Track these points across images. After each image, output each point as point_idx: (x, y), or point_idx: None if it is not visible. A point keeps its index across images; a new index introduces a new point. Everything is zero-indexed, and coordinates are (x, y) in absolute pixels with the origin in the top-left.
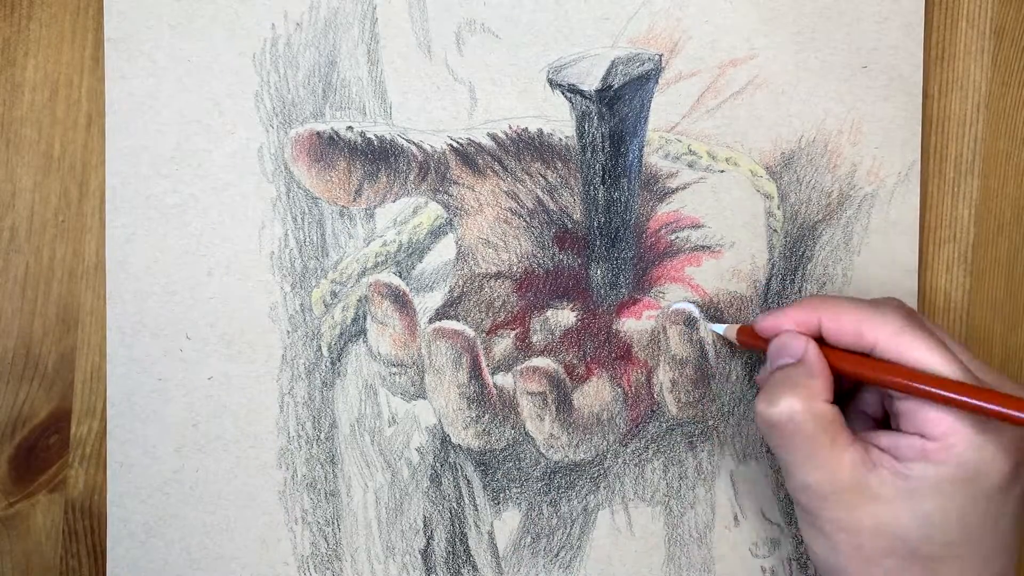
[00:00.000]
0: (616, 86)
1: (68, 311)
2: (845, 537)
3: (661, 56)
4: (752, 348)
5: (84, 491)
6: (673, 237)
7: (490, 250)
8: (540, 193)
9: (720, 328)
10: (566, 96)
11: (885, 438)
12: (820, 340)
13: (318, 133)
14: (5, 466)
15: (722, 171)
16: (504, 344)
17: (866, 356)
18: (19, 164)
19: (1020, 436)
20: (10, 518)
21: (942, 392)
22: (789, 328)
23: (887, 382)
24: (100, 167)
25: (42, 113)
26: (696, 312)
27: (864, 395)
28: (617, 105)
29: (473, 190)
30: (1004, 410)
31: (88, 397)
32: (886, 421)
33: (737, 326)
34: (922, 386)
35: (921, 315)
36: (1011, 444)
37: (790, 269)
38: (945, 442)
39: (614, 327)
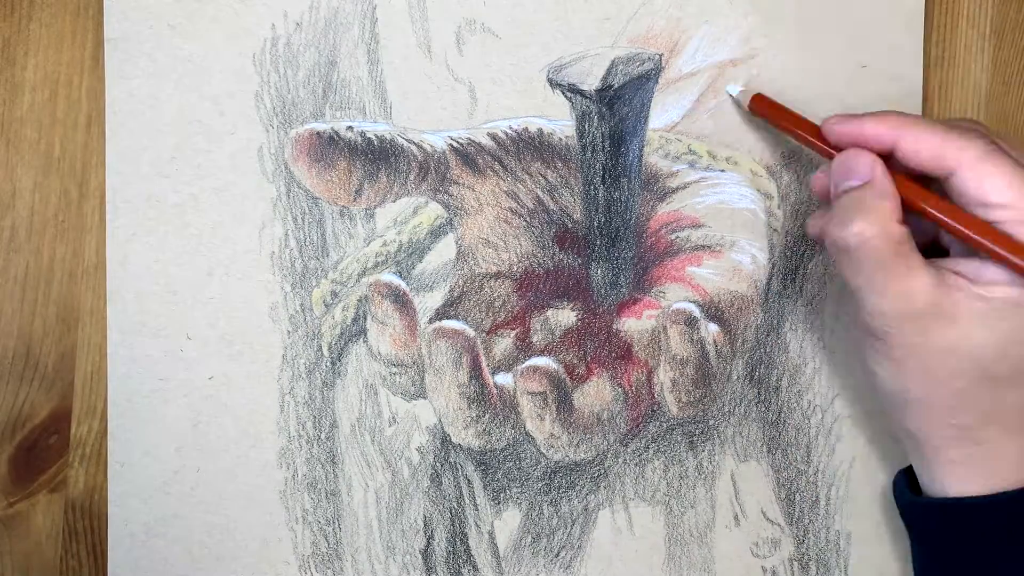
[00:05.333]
0: (616, 86)
1: (68, 311)
2: (915, 361)
3: (661, 56)
4: (769, 120)
5: (84, 491)
6: (673, 237)
7: (490, 250)
8: (540, 193)
9: (734, 89)
10: (566, 96)
11: (963, 264)
12: (888, 158)
13: (318, 133)
14: (5, 466)
15: (722, 170)
16: (504, 344)
17: (928, 190)
18: (19, 164)
19: None
20: (10, 518)
21: (1000, 250)
22: (861, 140)
23: (951, 228)
24: (100, 167)
25: (42, 113)
26: (697, 312)
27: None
28: (617, 105)
29: (473, 190)
30: None
31: (88, 397)
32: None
33: (752, 91)
34: (984, 240)
35: (1006, 138)
36: None
37: (791, 268)
38: None
39: (614, 327)
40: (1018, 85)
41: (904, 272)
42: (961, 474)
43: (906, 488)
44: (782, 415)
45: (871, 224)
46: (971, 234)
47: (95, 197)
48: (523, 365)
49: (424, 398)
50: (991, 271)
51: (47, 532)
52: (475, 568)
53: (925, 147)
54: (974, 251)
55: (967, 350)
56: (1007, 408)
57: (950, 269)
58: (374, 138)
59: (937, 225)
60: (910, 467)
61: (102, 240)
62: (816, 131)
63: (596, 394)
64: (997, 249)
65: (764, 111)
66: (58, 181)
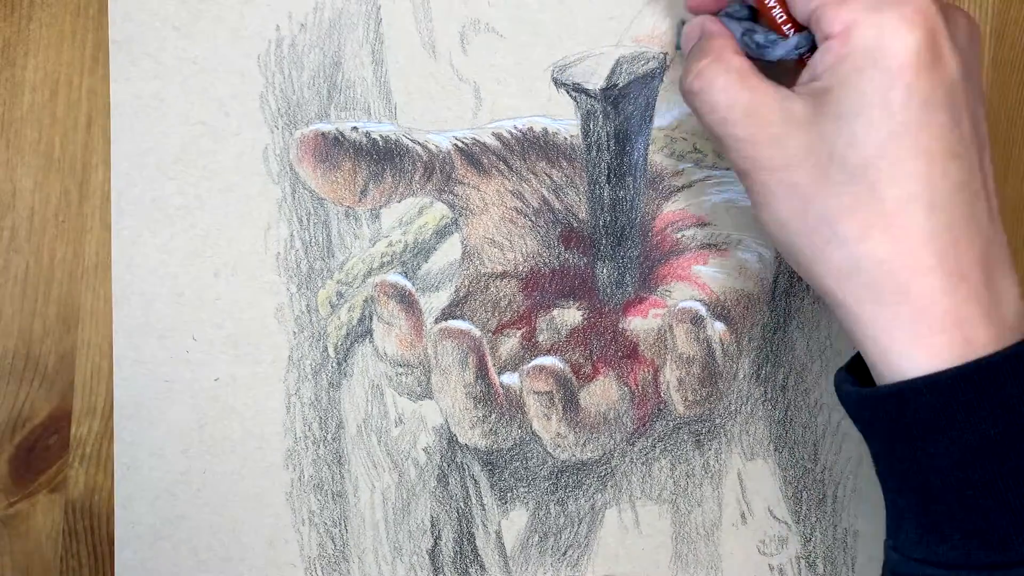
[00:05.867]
0: (621, 85)
1: (68, 311)
2: (782, 179)
3: (665, 54)
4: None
5: (84, 491)
6: (679, 235)
7: (496, 250)
8: (545, 192)
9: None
10: (571, 95)
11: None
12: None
13: (323, 134)
14: (5, 466)
15: (728, 168)
16: (510, 343)
17: None
18: (19, 164)
19: (927, 7)
20: (10, 518)
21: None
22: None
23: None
24: (100, 167)
25: (42, 113)
26: (703, 310)
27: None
28: (622, 104)
29: (478, 190)
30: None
31: (88, 397)
32: None
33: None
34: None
35: None
36: (917, 16)
37: None
38: (845, 32)
39: (620, 326)
40: (1018, 85)
41: (749, 93)
42: (891, 338)
43: (847, 375)
44: (789, 413)
45: (706, 58)
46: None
47: (95, 197)
48: (529, 365)
49: (430, 398)
50: (818, 56)
51: (47, 532)
52: (482, 568)
53: None
54: None
55: (821, 148)
56: (887, 204)
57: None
58: (379, 138)
59: None
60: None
61: (102, 240)
62: None
63: (602, 393)
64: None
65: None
66: (58, 181)
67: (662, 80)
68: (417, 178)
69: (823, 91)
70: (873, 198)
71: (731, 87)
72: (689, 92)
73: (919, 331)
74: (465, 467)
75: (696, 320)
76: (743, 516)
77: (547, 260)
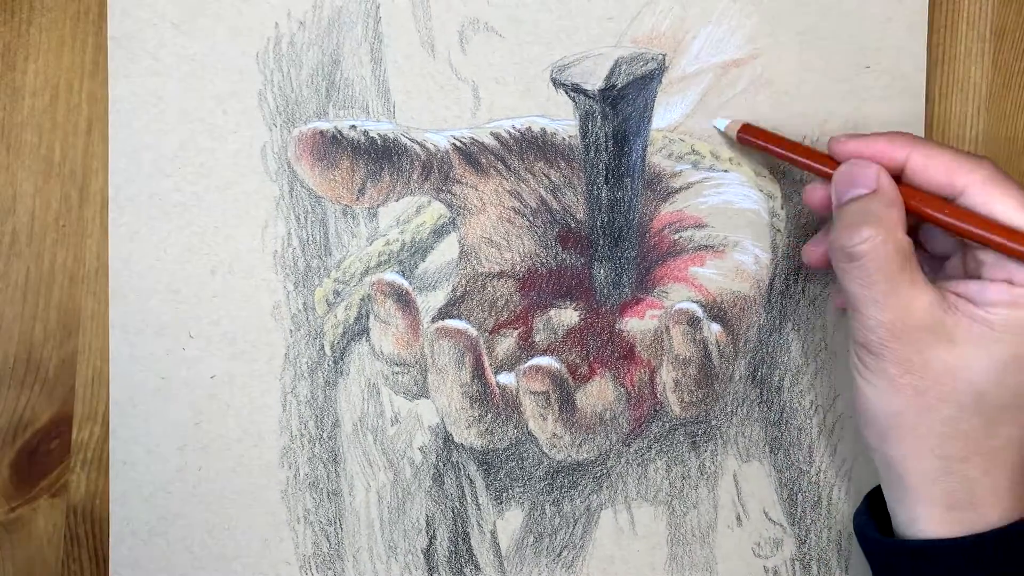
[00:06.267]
0: (620, 85)
1: (69, 316)
2: (910, 380)
3: (664, 56)
4: (756, 149)
5: (86, 496)
6: (676, 237)
7: (493, 249)
8: (543, 192)
9: (721, 124)
10: (570, 95)
11: (965, 285)
12: (898, 178)
13: (321, 132)
14: (7, 471)
15: (725, 171)
16: (507, 343)
17: (940, 198)
18: (20, 169)
19: None
20: (12, 523)
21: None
22: (870, 156)
23: (970, 233)
24: (101, 172)
25: (43, 118)
26: (699, 312)
27: (931, 238)
28: (620, 104)
29: (476, 189)
30: None
31: (89, 402)
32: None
33: (740, 123)
34: (1006, 242)
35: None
36: None
37: (793, 268)
38: None
39: (617, 327)
40: (1018, 87)
41: (908, 285)
42: (937, 516)
43: (869, 520)
44: (784, 415)
45: (879, 231)
46: (996, 237)
47: (96, 202)
48: (526, 365)
49: (426, 397)
50: (992, 293)
51: (48, 537)
52: (477, 568)
53: (936, 164)
54: (974, 273)
55: (964, 374)
56: (995, 441)
57: (951, 291)
58: (377, 137)
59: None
60: (870, 496)
61: (103, 245)
62: (809, 153)
63: (599, 394)
64: (1012, 245)
65: (753, 140)
66: (59, 186)
67: (661, 81)
68: (415, 177)
69: (987, 323)
70: (994, 436)
71: (892, 270)
72: (845, 255)
73: (966, 521)
74: (461, 467)
75: (692, 321)
76: (738, 518)
77: (544, 260)
